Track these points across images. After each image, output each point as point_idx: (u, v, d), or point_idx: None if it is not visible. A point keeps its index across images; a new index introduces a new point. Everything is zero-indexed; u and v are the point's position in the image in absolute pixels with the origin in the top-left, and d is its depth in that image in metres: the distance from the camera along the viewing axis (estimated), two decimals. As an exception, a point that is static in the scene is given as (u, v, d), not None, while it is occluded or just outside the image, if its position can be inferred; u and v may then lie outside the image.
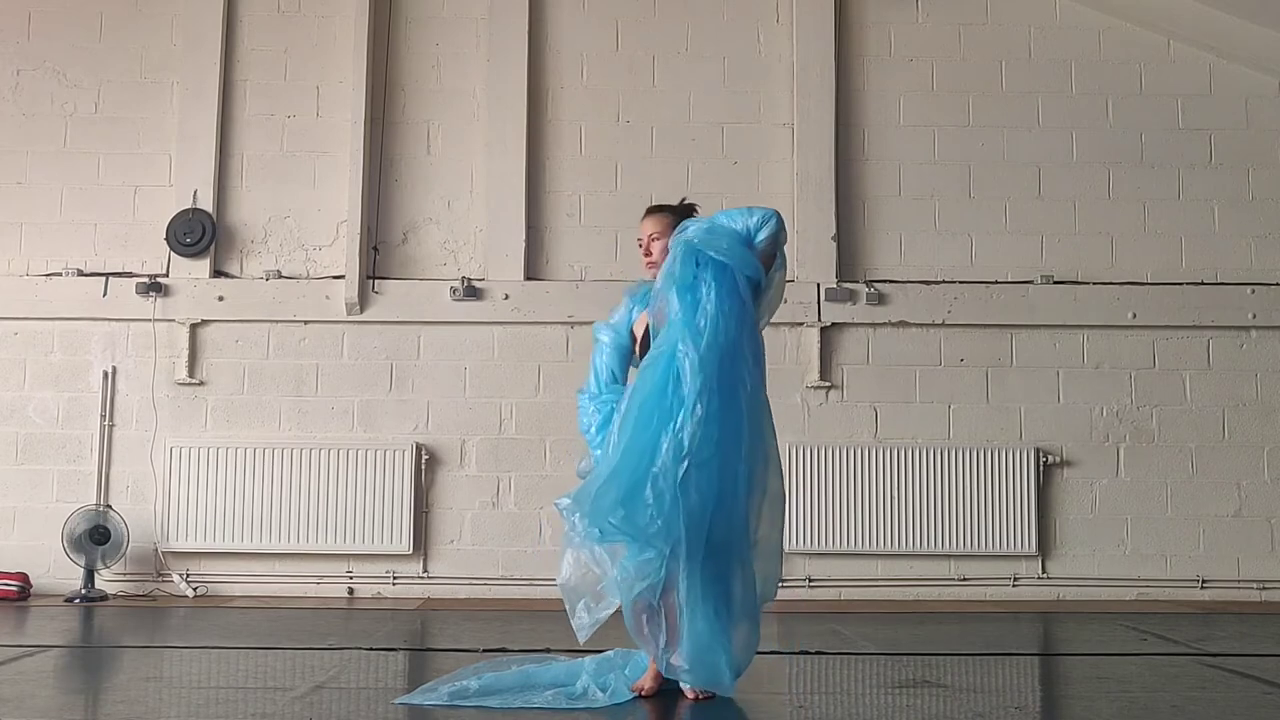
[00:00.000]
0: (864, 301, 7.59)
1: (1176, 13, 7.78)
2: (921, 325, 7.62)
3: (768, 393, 4.11)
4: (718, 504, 3.92)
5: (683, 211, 4.37)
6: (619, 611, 3.93)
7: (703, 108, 7.82)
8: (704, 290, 4.00)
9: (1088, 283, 7.69)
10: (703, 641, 3.90)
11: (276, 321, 7.58)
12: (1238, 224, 7.77)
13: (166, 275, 7.59)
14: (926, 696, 4.26)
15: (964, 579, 7.45)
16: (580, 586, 3.95)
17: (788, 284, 7.47)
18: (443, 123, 7.81)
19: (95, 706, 4.29)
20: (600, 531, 3.88)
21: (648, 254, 4.33)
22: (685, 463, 3.86)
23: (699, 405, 3.88)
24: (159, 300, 7.52)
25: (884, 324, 7.61)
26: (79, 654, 5.54)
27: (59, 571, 7.22)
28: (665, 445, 3.87)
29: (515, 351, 7.58)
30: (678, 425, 3.89)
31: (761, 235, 4.06)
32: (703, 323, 3.96)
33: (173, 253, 7.58)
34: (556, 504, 4.01)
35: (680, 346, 3.95)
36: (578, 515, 3.91)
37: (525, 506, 7.47)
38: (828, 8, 7.78)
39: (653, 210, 4.42)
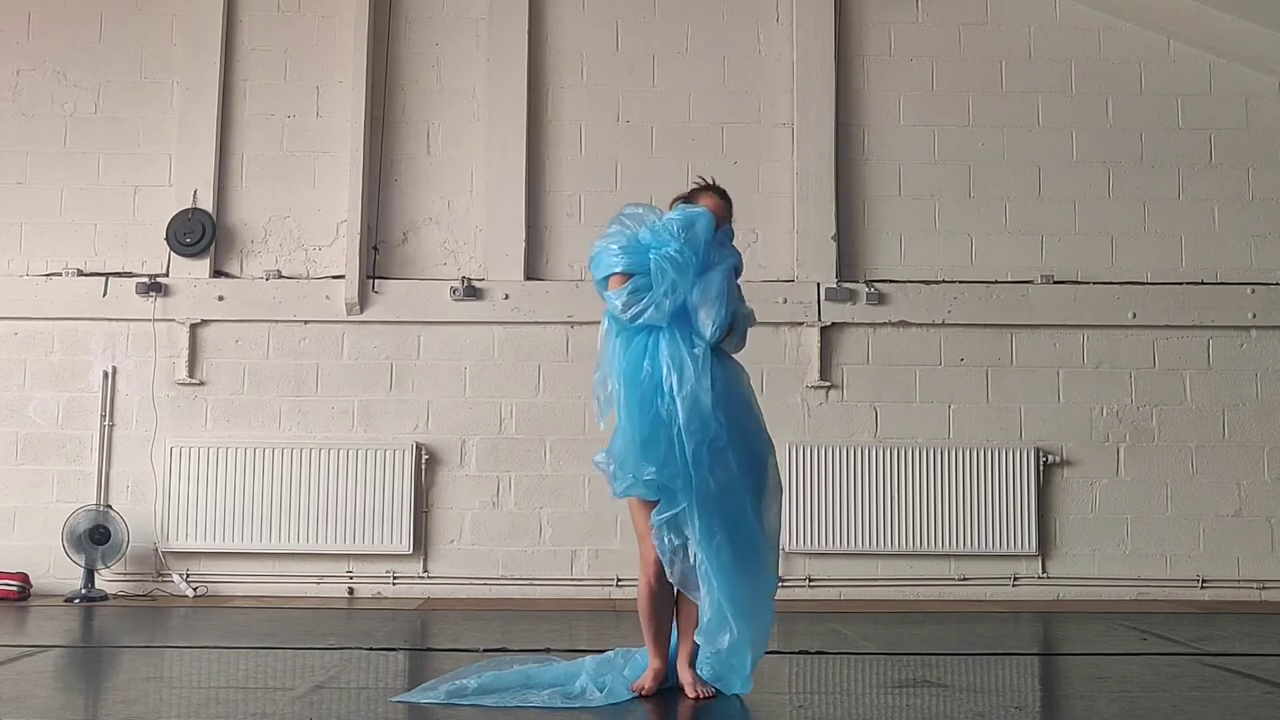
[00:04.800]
0: (864, 301, 7.59)
1: (1176, 13, 7.78)
2: (921, 325, 7.62)
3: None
4: (731, 482, 4.02)
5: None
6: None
7: (703, 108, 7.81)
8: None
9: (1088, 283, 7.69)
10: (722, 637, 3.95)
11: (276, 321, 7.58)
12: (1238, 224, 7.77)
13: (166, 275, 7.59)
14: (926, 696, 4.27)
15: (964, 579, 7.44)
16: None
17: (787, 284, 7.59)
18: (443, 123, 7.81)
19: (95, 706, 4.29)
20: (633, 479, 4.01)
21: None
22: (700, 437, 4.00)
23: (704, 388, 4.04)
24: (159, 300, 7.52)
25: (884, 324, 7.61)
26: (79, 654, 5.54)
27: (59, 571, 7.22)
28: (681, 410, 4.00)
29: (515, 351, 7.58)
30: (686, 395, 4.03)
31: None
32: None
33: (173, 253, 7.58)
34: (595, 461, 4.15)
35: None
36: (614, 467, 4.06)
37: (525, 506, 7.47)
38: (828, 8, 7.78)
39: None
